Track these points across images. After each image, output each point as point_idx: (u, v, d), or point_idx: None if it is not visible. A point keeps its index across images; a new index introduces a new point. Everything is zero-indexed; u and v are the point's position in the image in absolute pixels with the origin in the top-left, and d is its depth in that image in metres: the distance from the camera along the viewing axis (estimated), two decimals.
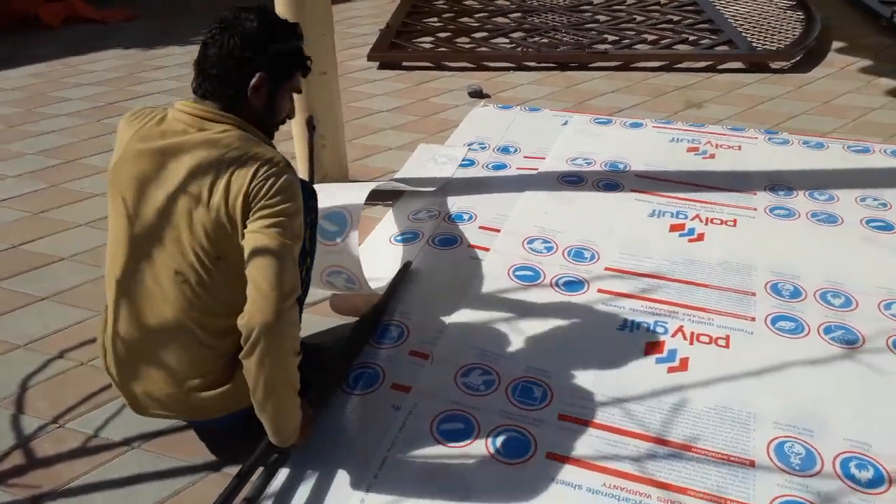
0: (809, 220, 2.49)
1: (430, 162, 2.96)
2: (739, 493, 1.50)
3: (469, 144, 3.09)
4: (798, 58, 4.05)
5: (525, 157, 2.98)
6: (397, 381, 1.80)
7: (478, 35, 4.51)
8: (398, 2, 5.22)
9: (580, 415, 1.70)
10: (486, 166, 2.90)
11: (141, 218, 1.44)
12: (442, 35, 4.53)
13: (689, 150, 3.01)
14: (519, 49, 4.17)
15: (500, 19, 4.90)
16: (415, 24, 4.74)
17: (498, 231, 2.40)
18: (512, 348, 1.91)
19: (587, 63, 4.07)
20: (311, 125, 2.46)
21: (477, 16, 4.95)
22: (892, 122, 3.29)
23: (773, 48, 4.15)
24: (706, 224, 2.46)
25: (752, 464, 1.57)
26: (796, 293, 2.10)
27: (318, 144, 2.52)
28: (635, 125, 3.26)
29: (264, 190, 1.37)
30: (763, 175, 2.79)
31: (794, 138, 3.10)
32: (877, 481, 1.52)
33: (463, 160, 2.95)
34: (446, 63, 4.12)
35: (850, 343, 1.90)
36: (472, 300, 2.08)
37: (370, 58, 4.10)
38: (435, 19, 4.90)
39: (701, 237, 2.38)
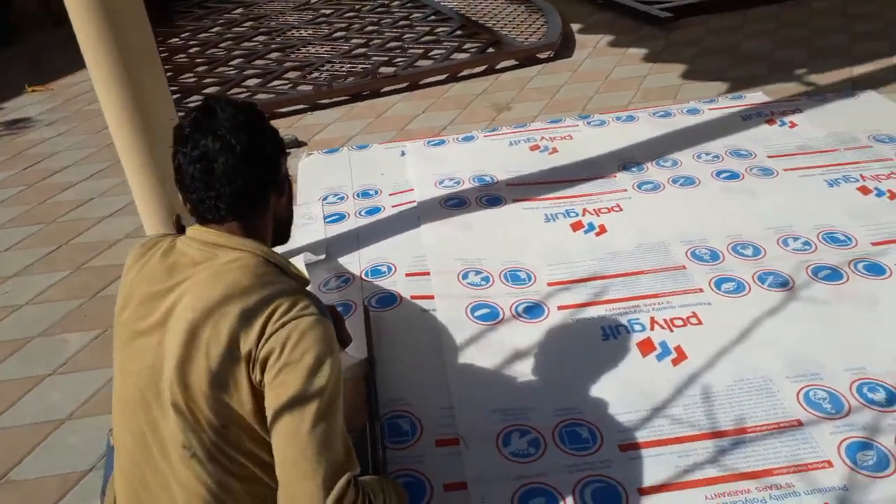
0: (674, 186, 2.71)
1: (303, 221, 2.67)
2: (813, 455, 1.58)
3: (323, 199, 2.84)
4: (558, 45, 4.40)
5: (391, 194, 2.83)
6: (447, 480, 1.57)
7: (251, 83, 4.18)
8: None
9: (636, 439, 1.65)
10: (359, 214, 2.70)
11: (142, 378, 1.12)
12: (209, 91, 4.11)
13: (532, 149, 3.11)
14: (311, 88, 3.94)
15: (259, 62, 4.59)
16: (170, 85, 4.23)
17: (427, 274, 2.24)
18: (528, 396, 1.79)
19: (379, 89, 3.99)
20: (178, 225, 2.05)
21: (233, 63, 4.58)
22: (665, 85, 3.73)
23: (536, 40, 4.46)
24: (597, 215, 2.55)
25: (799, 423, 1.66)
26: (715, 255, 2.26)
27: None
28: (468, 139, 3.27)
29: (281, 344, 1.06)
30: (609, 156, 2.97)
31: (607, 117, 3.37)
32: (893, 399, 1.70)
33: (328, 216, 2.70)
34: None
35: (784, 285, 2.10)
36: (453, 358, 1.91)
37: None
38: (189, 76, 4.43)
39: (603, 229, 2.46)
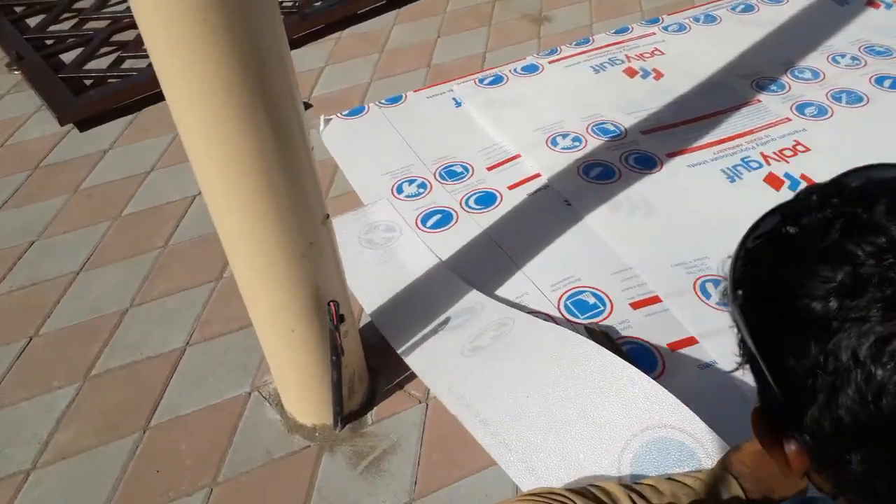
0: (840, 105, 2.17)
1: (363, 246, 1.83)
2: None
3: (397, 190, 2.02)
4: None
5: (491, 168, 2.06)
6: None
7: None
8: None
9: None
10: (466, 206, 1.93)
11: None
12: (121, 37, 2.93)
13: (628, 74, 2.41)
14: None
15: None
16: (60, 37, 2.98)
17: (659, 301, 1.58)
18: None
19: (357, 11, 3.02)
20: (338, 316, 1.22)
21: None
22: None
23: None
24: (786, 162, 1.97)
25: None
26: None
27: (343, 336, 1.28)
28: (530, 69, 2.50)
29: None
30: (729, 74, 2.37)
31: (682, 20, 2.71)
32: None
33: (423, 219, 1.90)
34: None
35: None
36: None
37: (64, 120, 2.43)
38: (67, 15, 3.15)
39: (809, 182, 1.88)
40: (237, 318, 1.68)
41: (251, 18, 0.89)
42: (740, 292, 0.49)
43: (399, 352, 1.52)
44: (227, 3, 0.86)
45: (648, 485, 0.81)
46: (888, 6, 2.65)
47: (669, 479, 0.84)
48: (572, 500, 0.76)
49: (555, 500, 0.76)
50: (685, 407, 1.09)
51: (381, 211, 1.95)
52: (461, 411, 1.33)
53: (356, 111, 2.38)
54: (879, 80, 2.25)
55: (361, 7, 3.02)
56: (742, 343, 0.52)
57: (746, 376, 1.43)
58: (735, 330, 0.54)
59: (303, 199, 1.08)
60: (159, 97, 2.53)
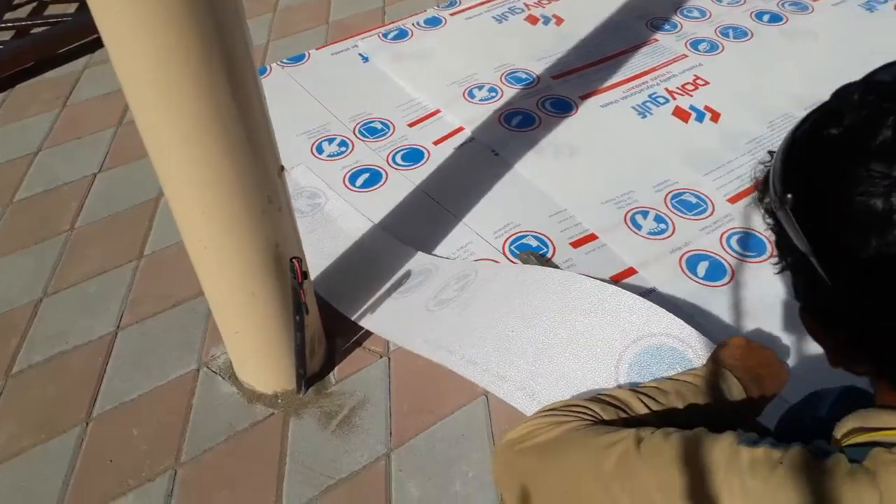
0: (729, 41, 2.30)
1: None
2: None
3: (317, 150, 1.96)
4: None
5: (412, 124, 2.04)
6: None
7: None
8: None
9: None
10: (393, 161, 1.90)
11: None
12: None
13: (530, 21, 2.45)
14: None
15: None
16: None
17: (595, 238, 1.63)
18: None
19: None
20: (303, 273, 1.17)
21: None
22: None
23: None
24: (689, 96, 2.08)
25: None
26: None
27: (309, 296, 1.24)
28: (433, 21, 2.48)
29: None
30: (625, 16, 2.46)
31: None
32: None
33: (351, 178, 1.86)
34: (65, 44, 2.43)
35: None
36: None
37: None
38: None
39: (714, 114, 2.00)
40: (169, 294, 1.59)
41: None
42: (790, 196, 0.50)
43: (354, 318, 1.48)
44: None
45: (652, 387, 0.85)
46: None
47: (670, 379, 0.88)
48: (589, 408, 0.79)
49: (571, 410, 0.78)
50: (669, 314, 1.14)
51: (300, 176, 1.88)
52: (445, 357, 1.29)
53: (259, 72, 2.27)
54: (759, 15, 2.41)
55: None
56: (786, 245, 0.52)
57: (688, 296, 1.49)
58: (773, 234, 0.55)
59: (259, 150, 1.02)
60: (31, 72, 2.33)
